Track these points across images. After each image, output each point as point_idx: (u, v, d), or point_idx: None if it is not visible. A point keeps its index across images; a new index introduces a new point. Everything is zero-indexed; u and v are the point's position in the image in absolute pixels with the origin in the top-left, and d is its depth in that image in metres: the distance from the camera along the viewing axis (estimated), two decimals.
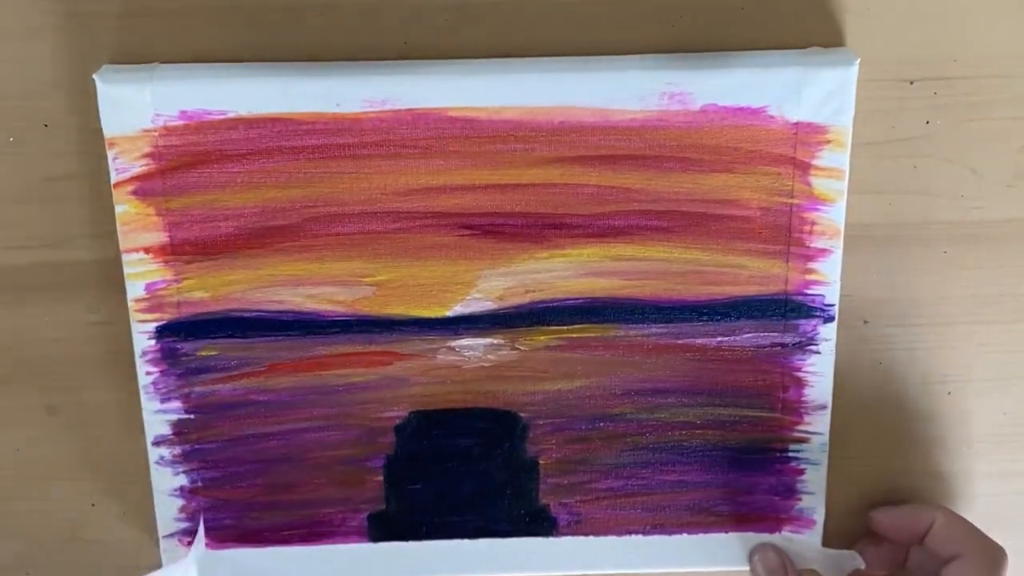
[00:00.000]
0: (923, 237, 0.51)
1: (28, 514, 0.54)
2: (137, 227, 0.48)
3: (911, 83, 0.48)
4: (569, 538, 0.53)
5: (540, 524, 0.53)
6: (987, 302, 0.52)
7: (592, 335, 0.50)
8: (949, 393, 0.53)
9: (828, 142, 0.47)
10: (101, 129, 0.46)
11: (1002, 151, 0.50)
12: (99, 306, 0.50)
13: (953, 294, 0.51)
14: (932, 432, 0.54)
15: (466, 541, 0.53)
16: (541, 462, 0.52)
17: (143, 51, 0.47)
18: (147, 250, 0.48)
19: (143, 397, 0.50)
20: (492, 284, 0.49)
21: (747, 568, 0.53)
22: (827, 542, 0.53)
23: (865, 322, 0.52)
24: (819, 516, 0.53)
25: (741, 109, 0.47)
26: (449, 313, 0.50)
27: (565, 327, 0.50)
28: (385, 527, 0.53)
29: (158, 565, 0.53)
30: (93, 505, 0.54)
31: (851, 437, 0.53)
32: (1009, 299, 0.52)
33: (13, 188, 0.49)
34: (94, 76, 0.46)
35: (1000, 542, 0.52)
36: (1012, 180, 0.50)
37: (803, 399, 0.51)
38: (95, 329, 0.50)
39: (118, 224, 0.48)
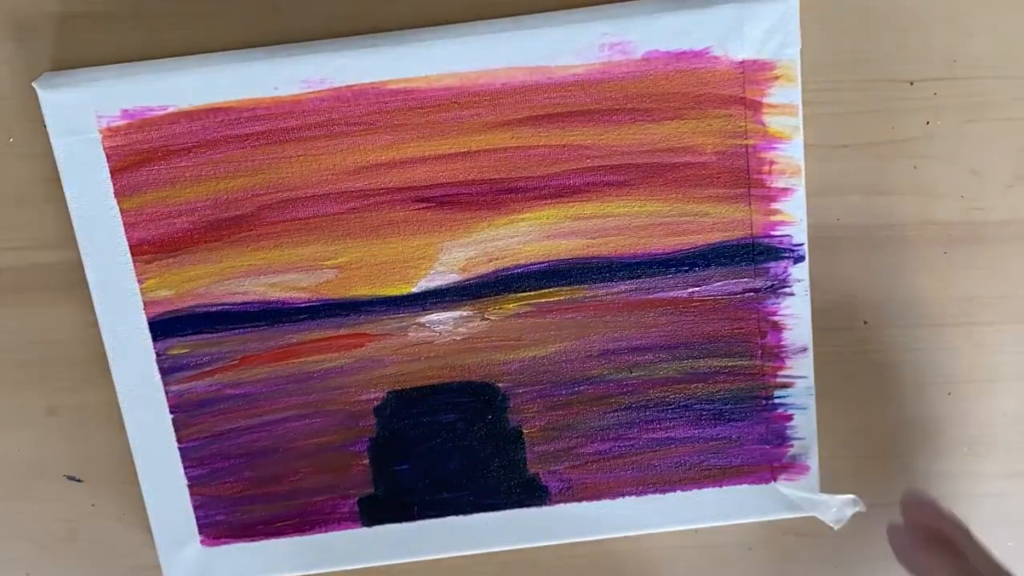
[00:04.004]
0: (923, 237, 0.50)
1: (28, 514, 0.54)
2: None
3: (911, 83, 0.48)
4: (563, 506, 0.53)
5: (532, 494, 0.52)
6: (987, 302, 0.51)
7: (561, 298, 0.50)
8: (949, 393, 0.52)
9: (776, 78, 0.46)
10: None
11: (1002, 151, 0.49)
12: None
13: (953, 294, 0.51)
14: (932, 432, 0.53)
15: (460, 517, 0.53)
16: (525, 431, 0.52)
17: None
18: None
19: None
20: (454, 256, 0.49)
21: (743, 521, 0.53)
22: (817, 541, 0.53)
23: (865, 322, 0.51)
24: (813, 462, 0.52)
25: (684, 53, 0.46)
26: (414, 289, 0.49)
27: (532, 292, 0.50)
28: (377, 510, 0.53)
29: (157, 565, 0.53)
30: (93, 505, 0.54)
31: (851, 437, 0.53)
32: (1009, 299, 0.51)
33: (13, 188, 0.49)
34: (33, 84, 0.46)
35: (1002, 542, 0.52)
36: (1012, 180, 0.49)
37: (782, 343, 0.50)
38: (95, 329, 0.50)
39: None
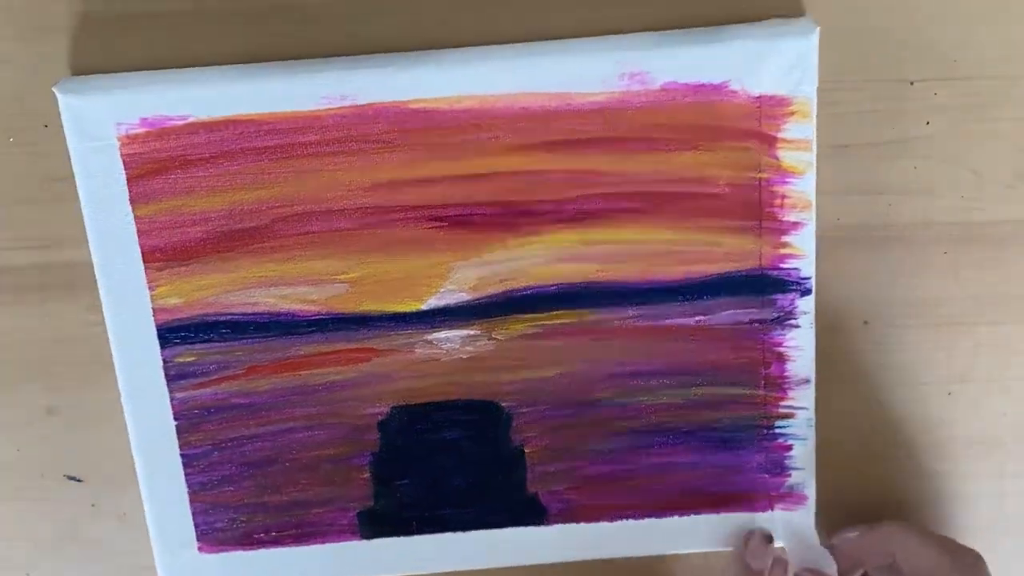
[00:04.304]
0: (923, 237, 0.50)
1: (28, 514, 0.54)
2: None
3: (911, 83, 0.48)
4: (560, 526, 0.53)
5: (530, 513, 0.53)
6: (987, 302, 0.51)
7: (569, 321, 0.50)
8: (949, 393, 0.53)
9: (792, 114, 0.47)
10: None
11: (1002, 151, 0.49)
12: (99, 306, 0.50)
13: (953, 294, 0.51)
14: (932, 432, 0.53)
15: (458, 534, 0.53)
16: (527, 451, 0.52)
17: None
18: None
19: None
20: (465, 275, 0.49)
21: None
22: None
23: (865, 322, 0.51)
24: (810, 492, 0.52)
25: (702, 85, 0.46)
26: (424, 306, 0.50)
27: (541, 314, 0.50)
28: (375, 524, 0.53)
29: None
30: (93, 505, 0.54)
31: (850, 437, 0.53)
32: (1009, 299, 0.51)
33: (13, 188, 0.49)
34: (53, 88, 0.46)
35: (1000, 542, 0.52)
36: (1012, 180, 0.50)
37: (786, 374, 0.51)
38: (95, 329, 0.50)
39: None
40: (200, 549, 0.53)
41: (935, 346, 0.52)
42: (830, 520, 0.53)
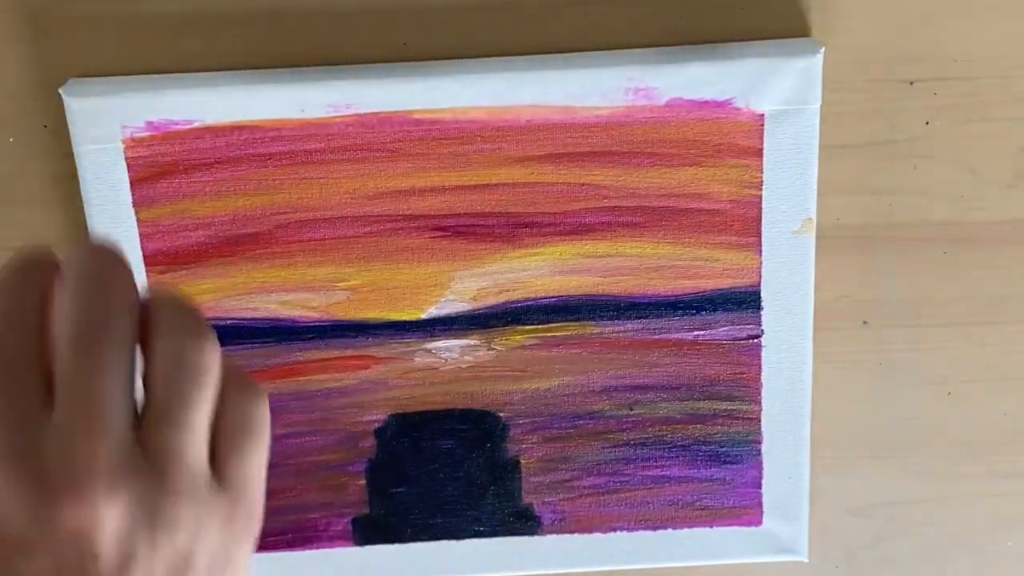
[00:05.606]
0: (923, 237, 0.50)
1: None
2: None
3: (911, 83, 0.48)
4: (554, 536, 0.53)
5: (524, 523, 0.53)
6: (987, 302, 0.51)
7: (568, 333, 0.50)
8: (949, 393, 0.53)
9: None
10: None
11: (1002, 151, 0.49)
12: None
13: (953, 294, 0.51)
14: (932, 432, 0.53)
15: (451, 542, 0.53)
16: (523, 461, 0.52)
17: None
18: None
19: None
20: (466, 285, 0.49)
21: (732, 562, 0.53)
22: (816, 541, 0.53)
23: (865, 322, 0.51)
24: (803, 506, 0.53)
25: (707, 102, 0.47)
26: (424, 315, 0.50)
27: (541, 326, 0.50)
28: (370, 531, 0.53)
29: None
30: None
31: (850, 437, 0.53)
32: (1009, 299, 0.51)
33: (13, 188, 0.49)
34: (60, 90, 0.46)
35: (1000, 543, 0.52)
36: (1012, 180, 0.50)
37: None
38: None
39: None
40: None
41: (935, 346, 0.52)
42: (825, 530, 0.54)
